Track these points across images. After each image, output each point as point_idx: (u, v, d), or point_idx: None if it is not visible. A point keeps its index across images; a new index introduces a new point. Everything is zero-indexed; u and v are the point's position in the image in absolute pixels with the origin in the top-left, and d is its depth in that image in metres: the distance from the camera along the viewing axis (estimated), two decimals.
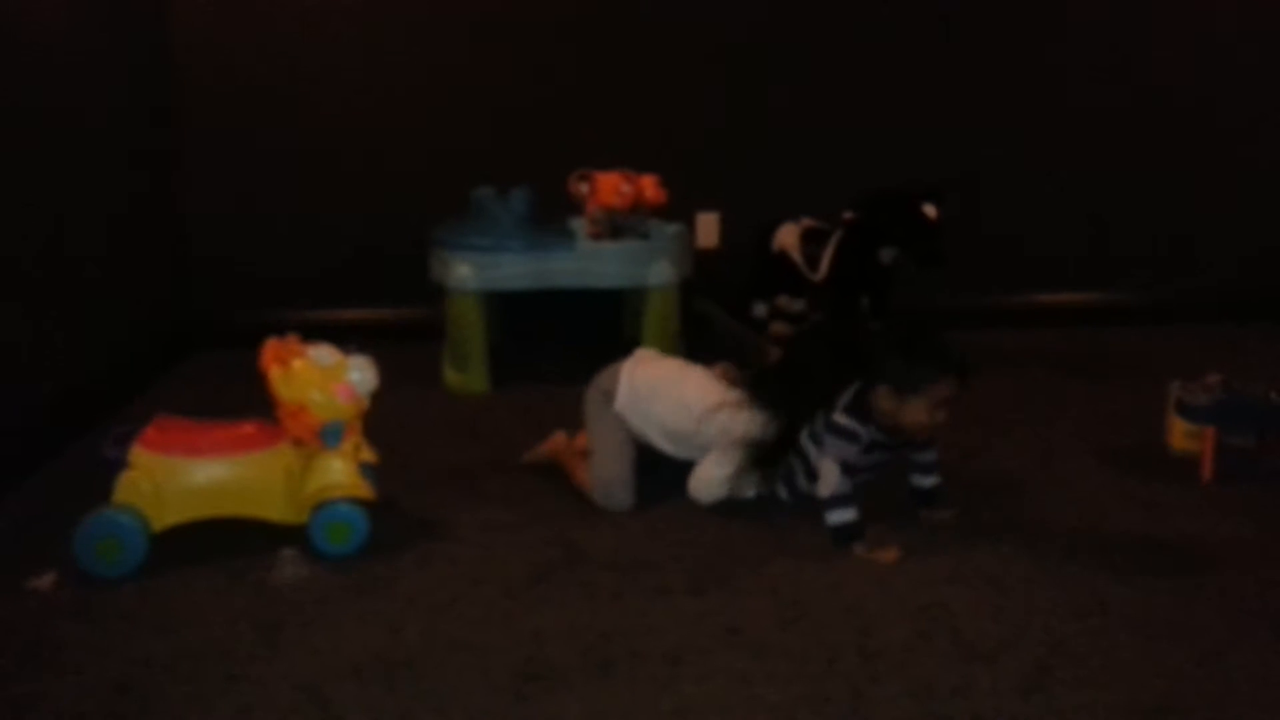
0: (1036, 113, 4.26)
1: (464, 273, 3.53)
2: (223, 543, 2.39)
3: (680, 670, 1.94)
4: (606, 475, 2.67)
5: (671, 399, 2.69)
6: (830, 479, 2.43)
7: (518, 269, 3.53)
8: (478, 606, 2.17)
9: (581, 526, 2.54)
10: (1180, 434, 2.89)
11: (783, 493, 2.64)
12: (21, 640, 2.06)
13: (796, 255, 3.88)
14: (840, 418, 2.47)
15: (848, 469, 2.45)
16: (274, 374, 2.37)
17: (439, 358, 3.68)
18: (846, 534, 2.41)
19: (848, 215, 3.75)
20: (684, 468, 2.68)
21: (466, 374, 3.60)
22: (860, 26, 4.16)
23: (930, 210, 3.63)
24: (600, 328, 3.88)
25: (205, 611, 2.16)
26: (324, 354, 2.40)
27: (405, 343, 3.83)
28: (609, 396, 2.75)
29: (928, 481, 2.60)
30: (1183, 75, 4.28)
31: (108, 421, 2.97)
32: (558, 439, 2.89)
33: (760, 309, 4.03)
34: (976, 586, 2.24)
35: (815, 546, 2.42)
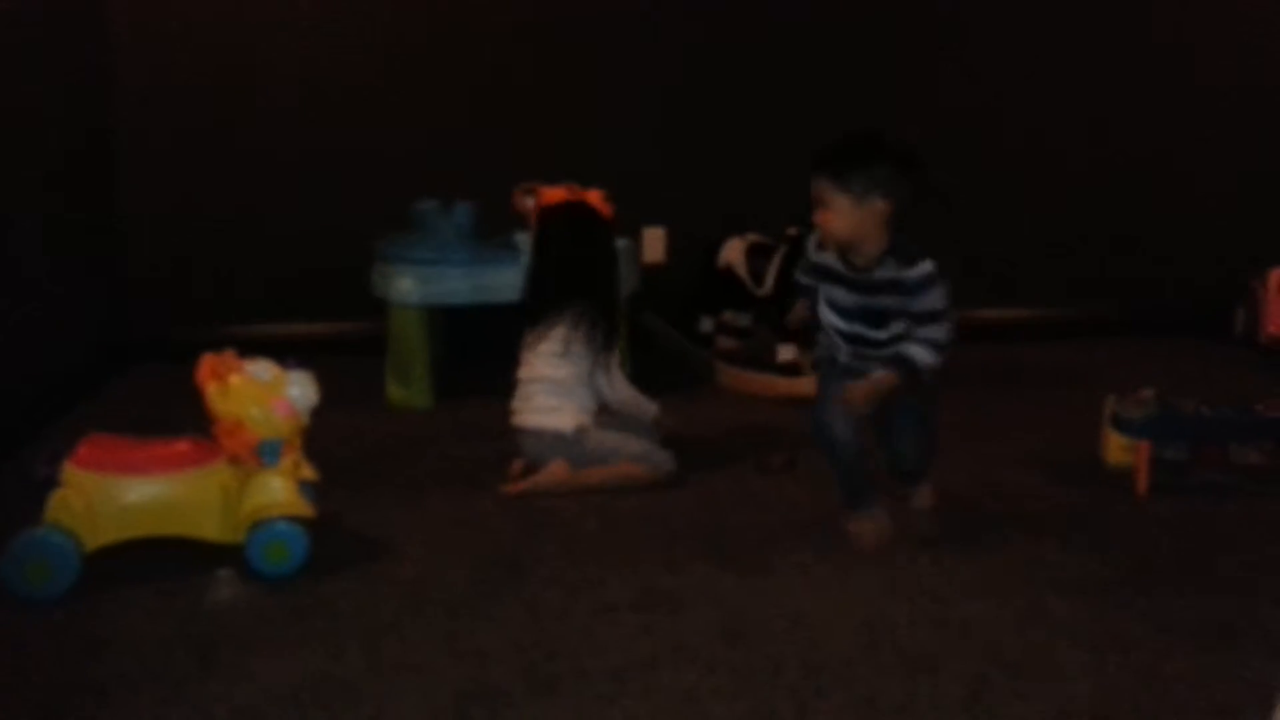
0: (974, 129, 4.32)
1: (406, 286, 3.50)
2: (156, 563, 2.33)
3: (625, 687, 1.93)
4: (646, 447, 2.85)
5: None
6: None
7: (461, 283, 3.51)
8: (420, 626, 2.15)
9: (526, 544, 2.53)
10: (1115, 448, 2.94)
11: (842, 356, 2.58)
12: None
13: (742, 270, 3.91)
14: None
15: (834, 308, 2.51)
16: (211, 390, 2.32)
17: (381, 372, 3.64)
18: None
19: (792, 230, 3.78)
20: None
21: (409, 389, 3.56)
22: (811, 42, 4.20)
23: None
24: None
25: (138, 634, 2.11)
26: (262, 369, 2.36)
27: (347, 357, 3.78)
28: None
29: (902, 447, 2.59)
30: (1115, 93, 4.38)
31: (40, 438, 2.90)
32: (556, 469, 2.83)
33: (706, 324, 4.05)
34: (917, 599, 2.26)
35: (759, 561, 2.43)
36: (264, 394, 2.33)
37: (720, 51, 4.18)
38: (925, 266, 2.40)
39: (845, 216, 2.36)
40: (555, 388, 2.87)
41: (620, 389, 2.99)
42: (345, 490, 2.76)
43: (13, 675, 1.96)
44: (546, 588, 2.30)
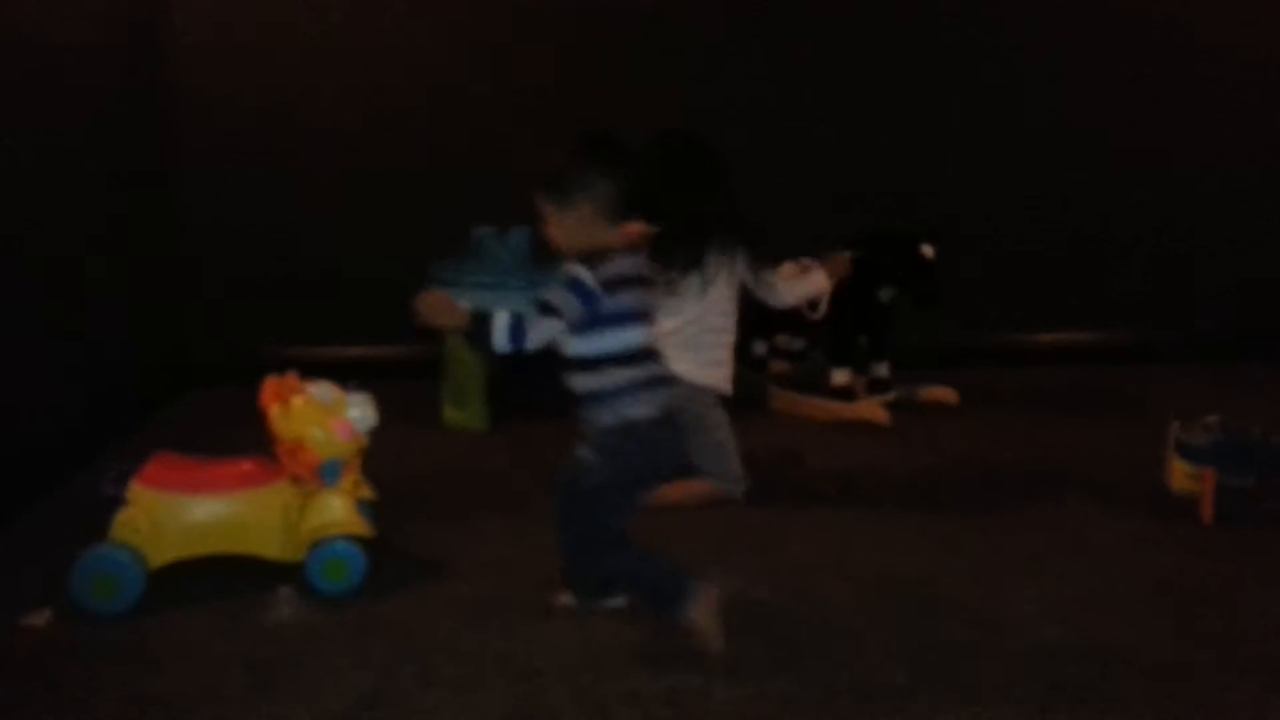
0: (1037, 153, 4.28)
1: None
2: (219, 580, 2.38)
3: (677, 711, 1.92)
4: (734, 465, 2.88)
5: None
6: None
7: (517, 307, 3.50)
8: (473, 646, 2.16)
9: None
10: (1180, 475, 2.88)
11: None
12: (17, 677, 2.05)
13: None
14: None
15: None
16: (273, 411, 2.37)
17: (438, 395, 3.68)
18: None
19: (847, 254, 3.77)
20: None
21: (465, 412, 3.60)
22: (860, 67, 4.20)
23: (928, 250, 3.65)
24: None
25: (199, 651, 2.15)
26: (324, 391, 2.41)
27: (405, 381, 3.83)
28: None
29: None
30: (1182, 115, 4.32)
31: (109, 455, 2.97)
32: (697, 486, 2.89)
33: (760, 347, 4.04)
34: (975, 626, 2.23)
35: (811, 585, 2.41)
36: (325, 415, 2.38)
37: (769, 75, 4.19)
38: (570, 267, 2.16)
39: (555, 227, 2.21)
40: (707, 339, 2.88)
41: (785, 291, 3.05)
42: (401, 511, 2.79)
43: (78, 688, 2.01)
44: (598, 609, 2.30)
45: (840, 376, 3.79)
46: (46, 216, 3.06)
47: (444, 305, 2.18)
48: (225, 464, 2.45)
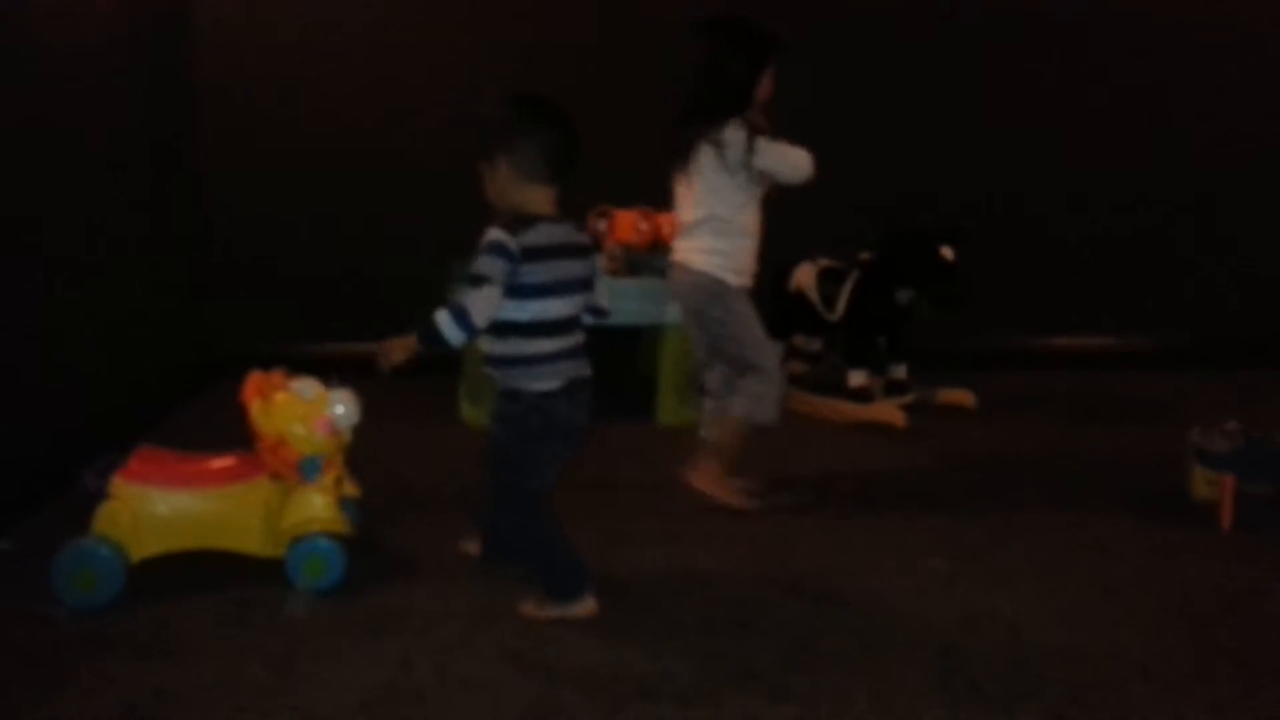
0: (1059, 156, 4.27)
1: None
2: (234, 573, 2.38)
3: (691, 713, 1.92)
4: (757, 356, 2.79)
5: None
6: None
7: None
8: (489, 642, 2.16)
9: (597, 563, 2.53)
10: (1200, 481, 2.86)
11: None
12: (36, 667, 2.06)
13: (813, 295, 3.89)
14: None
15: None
16: (254, 407, 2.36)
17: (456, 391, 3.68)
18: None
19: (865, 255, 3.75)
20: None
21: (482, 407, 3.60)
22: (875, 72, 4.18)
23: (948, 252, 3.63)
24: (616, 364, 3.88)
25: (214, 643, 2.16)
26: (306, 387, 2.39)
27: (424, 376, 3.83)
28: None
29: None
30: (1203, 119, 4.29)
31: (127, 451, 2.98)
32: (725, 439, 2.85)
33: (777, 348, 4.03)
34: (993, 632, 2.22)
35: (827, 588, 2.40)
36: (307, 412, 2.36)
37: (788, 80, 4.17)
38: (490, 232, 2.15)
39: (485, 181, 2.22)
40: (724, 228, 2.80)
41: (773, 159, 2.78)
42: (417, 507, 2.80)
43: (95, 678, 2.02)
44: (615, 608, 2.30)
45: (857, 378, 3.78)
46: (75, 212, 3.08)
47: (394, 345, 2.19)
48: (207, 459, 2.44)
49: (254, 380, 2.41)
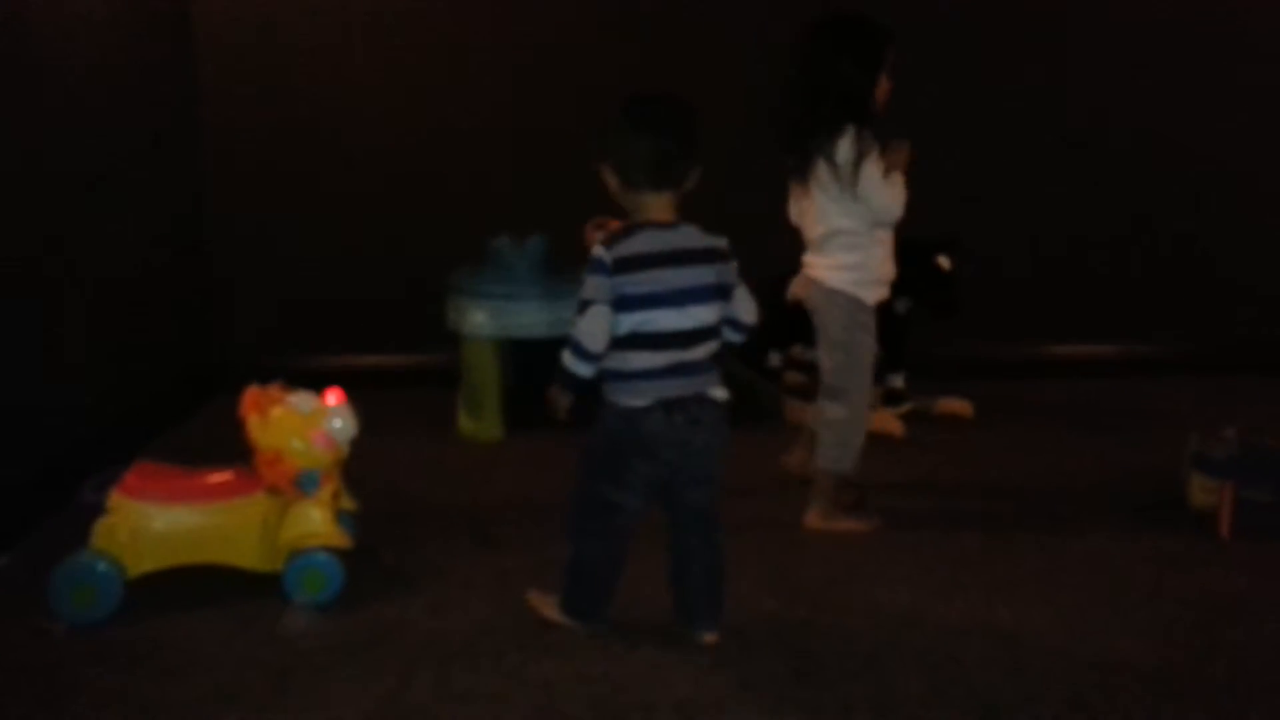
0: (1054, 164, 4.27)
1: (480, 319, 3.55)
2: (233, 587, 2.38)
3: None
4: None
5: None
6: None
7: (534, 316, 3.55)
8: (489, 656, 2.16)
9: None
10: (1198, 489, 2.86)
11: None
12: (37, 682, 2.06)
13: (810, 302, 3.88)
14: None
15: None
16: (252, 421, 2.36)
17: (454, 405, 3.69)
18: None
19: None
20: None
21: (480, 421, 3.60)
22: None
23: (944, 261, 3.64)
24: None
25: (214, 658, 2.15)
26: (303, 401, 2.39)
27: (422, 389, 3.85)
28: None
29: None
30: (1202, 125, 4.30)
31: (132, 460, 2.98)
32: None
33: (774, 358, 4.03)
34: (993, 641, 2.21)
35: (827, 599, 2.40)
36: (304, 426, 2.36)
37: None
38: (593, 249, 2.13)
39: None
40: (855, 240, 2.72)
41: (876, 191, 2.66)
42: (414, 520, 2.79)
43: (99, 694, 2.01)
44: (615, 621, 2.30)
45: None
46: (72, 226, 3.08)
47: (553, 395, 2.18)
48: (205, 474, 2.43)
49: (251, 394, 2.41)
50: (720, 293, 2.16)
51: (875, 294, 2.82)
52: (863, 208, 2.69)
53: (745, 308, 2.21)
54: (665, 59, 4.13)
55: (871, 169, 2.63)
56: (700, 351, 2.14)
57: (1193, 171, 4.32)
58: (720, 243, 2.19)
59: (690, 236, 2.15)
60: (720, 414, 2.17)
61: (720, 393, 2.18)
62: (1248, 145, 4.32)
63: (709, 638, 2.19)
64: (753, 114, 4.19)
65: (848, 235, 2.73)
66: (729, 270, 2.18)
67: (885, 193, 2.65)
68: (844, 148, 2.64)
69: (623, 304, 2.08)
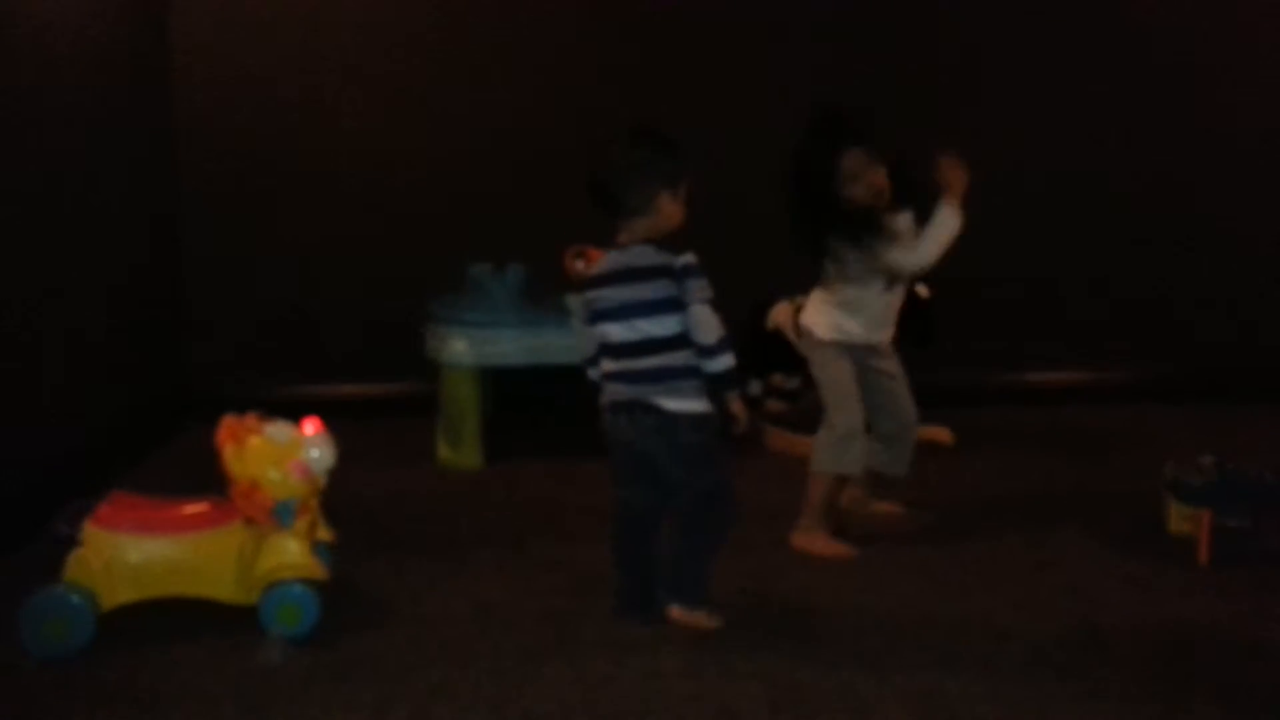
0: (1033, 193, 4.31)
1: (459, 348, 3.54)
2: (209, 620, 2.35)
3: None
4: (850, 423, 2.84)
5: None
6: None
7: (513, 344, 3.55)
8: (466, 687, 2.14)
9: (573, 606, 2.51)
10: (1176, 516, 2.87)
11: None
12: (7, 717, 2.02)
13: (791, 333, 3.90)
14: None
15: None
16: (228, 451, 2.34)
17: (432, 433, 3.67)
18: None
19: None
20: None
21: (459, 449, 3.59)
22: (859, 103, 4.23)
23: (923, 290, 3.66)
24: (595, 404, 3.88)
25: (189, 690, 2.13)
26: (281, 431, 2.37)
27: (400, 418, 3.83)
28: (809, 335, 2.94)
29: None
30: (1176, 153, 4.35)
31: (105, 490, 2.96)
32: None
33: (755, 387, 4.04)
34: (971, 665, 2.21)
35: (804, 629, 2.39)
36: (281, 455, 2.33)
37: (765, 118, 4.22)
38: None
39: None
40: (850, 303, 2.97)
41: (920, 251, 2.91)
42: (393, 550, 2.77)
43: None
44: (594, 651, 2.28)
45: None
46: (45, 253, 3.06)
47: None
48: (180, 504, 2.40)
49: (227, 424, 2.39)
50: (675, 306, 2.32)
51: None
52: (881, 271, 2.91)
53: (700, 327, 2.31)
54: (648, 96, 4.16)
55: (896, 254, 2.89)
56: (649, 361, 2.31)
57: (1168, 207, 4.37)
58: (672, 260, 2.32)
59: (642, 256, 2.32)
60: (666, 422, 2.31)
61: (674, 403, 2.31)
62: (1217, 181, 4.37)
63: (674, 611, 2.38)
64: (736, 150, 4.22)
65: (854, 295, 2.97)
66: (682, 287, 2.32)
67: (912, 259, 2.92)
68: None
69: (589, 318, 2.39)
